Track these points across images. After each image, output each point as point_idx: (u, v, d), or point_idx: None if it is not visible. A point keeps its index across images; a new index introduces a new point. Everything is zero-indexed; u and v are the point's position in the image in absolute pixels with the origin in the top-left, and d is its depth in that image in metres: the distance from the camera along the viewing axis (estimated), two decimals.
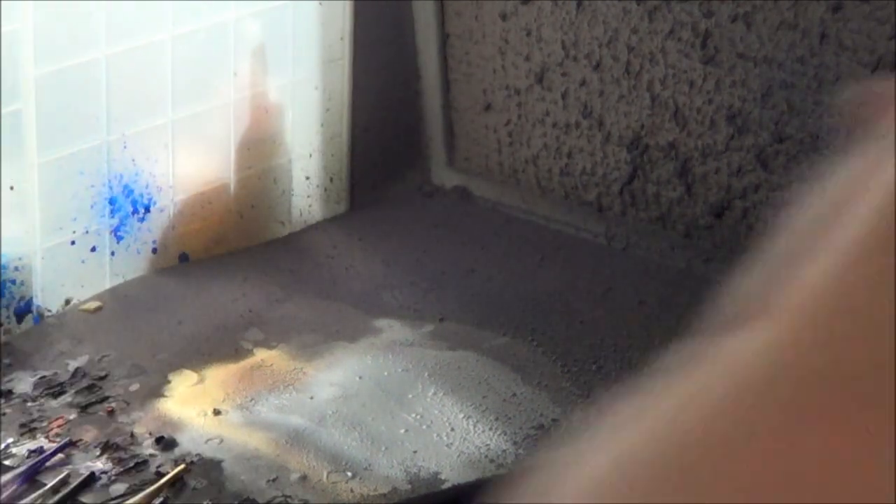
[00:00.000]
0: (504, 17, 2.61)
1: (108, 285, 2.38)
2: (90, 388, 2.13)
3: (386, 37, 2.71)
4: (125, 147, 2.34)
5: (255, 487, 1.91)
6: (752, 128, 2.36)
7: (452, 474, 1.93)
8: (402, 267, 2.49)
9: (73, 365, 2.18)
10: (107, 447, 1.99)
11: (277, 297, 2.38)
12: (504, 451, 1.98)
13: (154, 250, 2.44)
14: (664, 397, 0.68)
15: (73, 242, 2.31)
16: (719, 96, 2.38)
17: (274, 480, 1.93)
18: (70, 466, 1.95)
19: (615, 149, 2.53)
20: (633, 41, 2.45)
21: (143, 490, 1.89)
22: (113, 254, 2.38)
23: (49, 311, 2.30)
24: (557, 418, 2.05)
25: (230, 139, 2.50)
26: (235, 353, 2.22)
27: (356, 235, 2.61)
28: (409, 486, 1.91)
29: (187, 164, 2.44)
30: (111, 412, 2.07)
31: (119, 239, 2.38)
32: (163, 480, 1.91)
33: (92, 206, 2.32)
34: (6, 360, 2.19)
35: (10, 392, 2.11)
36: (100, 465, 1.95)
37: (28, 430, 2.03)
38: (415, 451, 1.98)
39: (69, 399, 2.10)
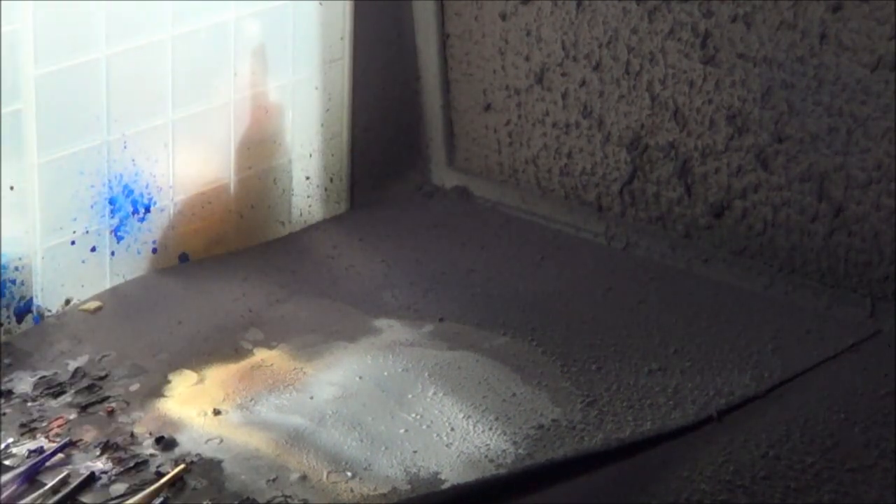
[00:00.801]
0: (504, 17, 2.61)
1: (108, 285, 2.38)
2: (90, 388, 2.13)
3: (386, 37, 2.71)
4: (125, 147, 2.34)
5: (255, 487, 1.91)
6: (752, 128, 2.36)
7: (452, 474, 1.93)
8: (402, 267, 2.49)
9: (73, 365, 2.18)
10: (107, 447, 1.99)
11: (277, 297, 2.38)
12: (504, 450, 1.98)
13: (154, 250, 2.44)
14: None
15: (73, 242, 2.31)
16: (719, 96, 2.38)
17: (274, 480, 1.93)
18: (70, 466, 1.95)
19: (615, 149, 2.53)
20: (633, 41, 2.45)
21: (143, 490, 1.89)
22: (113, 254, 2.38)
23: (49, 311, 2.30)
24: (557, 418, 2.05)
25: (230, 139, 2.50)
26: (235, 353, 2.22)
27: (356, 235, 2.61)
28: (409, 486, 1.91)
29: (187, 164, 2.44)
30: (111, 412, 2.07)
31: (119, 239, 2.38)
32: (163, 480, 1.91)
33: (92, 206, 2.32)
34: (6, 360, 2.19)
35: (10, 392, 2.11)
36: (100, 465, 1.95)
37: (28, 430, 2.03)
38: (415, 451, 1.98)
39: (69, 399, 2.10)
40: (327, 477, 1.94)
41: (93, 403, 2.09)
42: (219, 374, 2.17)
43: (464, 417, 2.05)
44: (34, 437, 2.01)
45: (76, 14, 2.21)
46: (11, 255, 2.24)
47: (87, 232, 2.33)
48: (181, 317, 2.32)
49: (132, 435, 2.02)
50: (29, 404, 2.09)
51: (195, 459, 1.96)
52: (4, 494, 1.89)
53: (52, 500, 1.89)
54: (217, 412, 2.07)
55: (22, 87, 2.17)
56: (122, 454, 1.97)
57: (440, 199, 2.74)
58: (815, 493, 1.87)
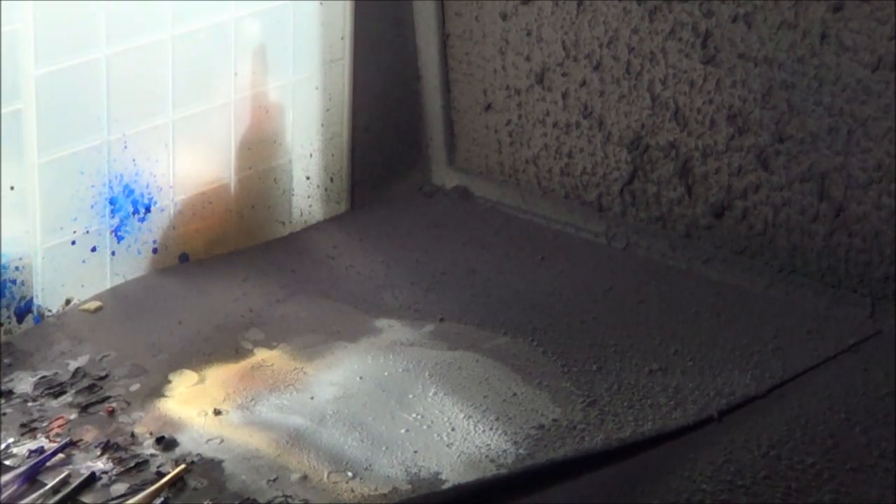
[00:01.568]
0: (504, 17, 2.61)
1: (108, 285, 2.38)
2: (90, 388, 2.13)
3: (386, 37, 2.71)
4: (125, 147, 2.34)
5: (256, 487, 1.91)
6: (752, 128, 2.36)
7: (453, 474, 1.93)
8: (402, 267, 2.49)
9: (73, 365, 2.18)
10: (107, 447, 1.99)
11: (277, 297, 2.38)
12: (505, 450, 1.98)
13: (154, 250, 2.44)
14: None
15: (73, 242, 2.31)
16: (719, 96, 2.38)
17: (274, 480, 1.93)
18: (70, 466, 1.95)
19: (615, 149, 2.53)
20: (634, 41, 2.45)
21: (143, 490, 1.89)
22: (113, 254, 2.38)
23: (49, 311, 2.30)
24: (558, 418, 2.05)
25: (230, 139, 2.50)
26: (236, 353, 2.22)
27: (356, 235, 2.61)
28: (410, 486, 1.91)
29: (187, 164, 2.44)
30: (111, 412, 2.07)
31: (119, 239, 2.38)
32: (163, 480, 1.91)
33: (92, 206, 2.32)
34: (6, 360, 2.19)
35: (10, 392, 2.11)
36: (100, 465, 1.95)
37: (28, 430, 2.03)
38: (415, 451, 1.98)
39: (69, 399, 2.10)
40: (328, 477, 1.94)
41: (93, 403, 2.09)
42: (219, 374, 2.17)
43: (464, 417, 2.05)
44: (34, 437, 2.01)
45: (76, 14, 2.21)
46: (12, 255, 2.24)
47: (88, 232, 2.33)
48: (182, 317, 2.32)
49: (133, 435, 2.02)
50: (29, 404, 2.09)
51: (196, 459, 1.96)
52: (5, 494, 1.89)
53: (52, 500, 1.89)
54: (217, 412, 2.07)
55: (22, 87, 2.17)
56: (122, 454, 1.97)
57: (440, 199, 2.74)
58: (815, 493, 1.87)
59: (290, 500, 1.89)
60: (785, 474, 1.90)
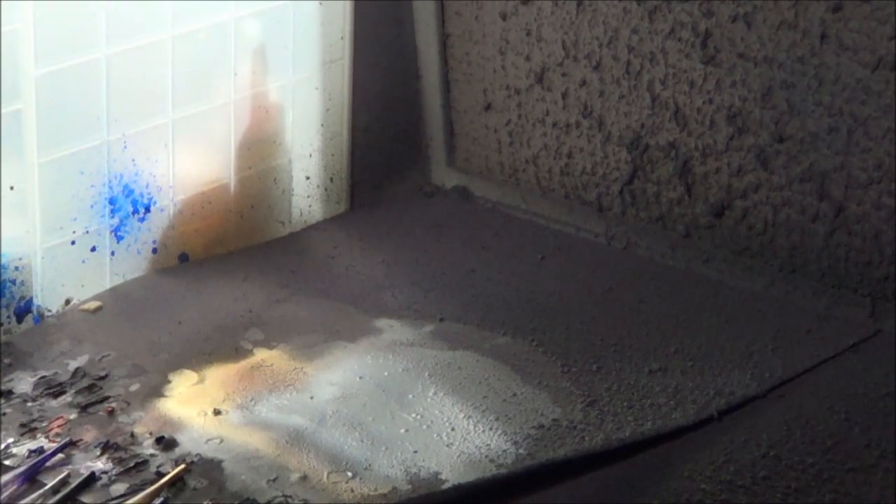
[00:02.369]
0: (504, 17, 2.61)
1: (108, 285, 2.38)
2: (90, 388, 2.13)
3: (386, 37, 2.71)
4: (125, 147, 2.34)
5: (256, 487, 1.91)
6: (752, 128, 2.36)
7: (453, 474, 1.93)
8: (402, 267, 2.49)
9: (73, 365, 2.18)
10: (107, 447, 1.99)
11: (277, 297, 2.38)
12: (505, 450, 1.98)
13: (154, 250, 2.44)
14: None
15: (73, 242, 2.31)
16: (719, 96, 2.38)
17: (274, 480, 1.93)
18: (70, 466, 1.95)
19: (615, 149, 2.53)
20: (634, 41, 2.45)
21: (143, 490, 1.89)
22: (113, 254, 2.38)
23: (49, 311, 2.30)
24: (558, 418, 2.05)
25: (230, 139, 2.50)
26: (235, 353, 2.22)
27: (356, 235, 2.61)
28: (410, 486, 1.91)
29: (187, 164, 2.44)
30: (111, 412, 2.07)
31: (119, 239, 2.38)
32: (163, 480, 1.91)
33: (92, 206, 2.33)
34: (6, 360, 2.19)
35: (10, 392, 2.11)
36: (100, 465, 1.95)
37: (28, 430, 2.03)
38: (415, 451, 1.98)
39: (69, 399, 2.10)
40: (328, 477, 1.94)
41: (93, 403, 2.09)
42: (219, 374, 2.17)
43: (464, 417, 2.05)
44: (34, 437, 2.01)
45: (76, 14, 2.21)
46: (11, 255, 2.24)
47: (87, 232, 2.33)
48: (181, 317, 2.32)
49: (132, 435, 2.02)
50: (29, 404, 2.09)
51: (195, 459, 1.96)
52: (4, 494, 1.89)
53: (52, 500, 1.89)
54: (217, 412, 2.07)
55: (22, 87, 2.17)
56: (122, 454, 1.97)
57: (440, 199, 2.74)
58: (815, 494, 1.87)
59: (289, 500, 1.89)
60: (785, 474, 1.90)
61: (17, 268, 2.25)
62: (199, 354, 2.21)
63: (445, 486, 1.91)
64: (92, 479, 1.92)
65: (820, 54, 2.25)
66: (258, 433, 2.02)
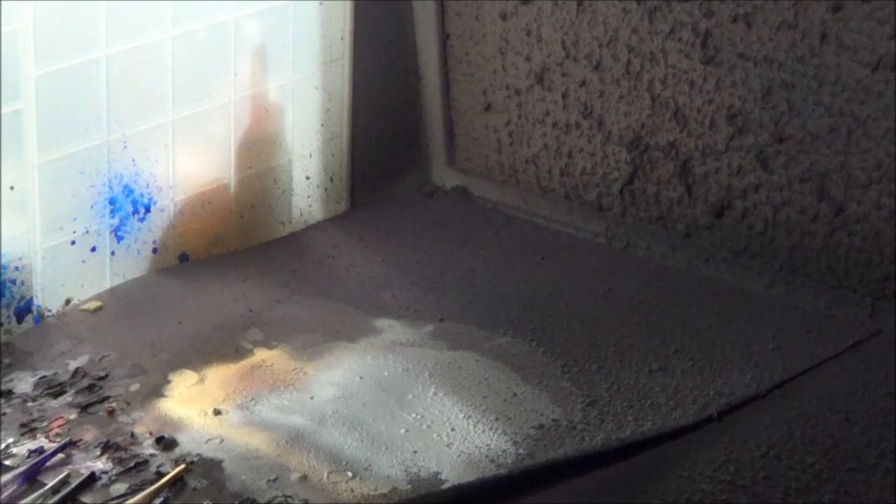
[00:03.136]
0: (504, 17, 2.61)
1: (108, 285, 2.38)
2: (90, 388, 2.13)
3: (386, 37, 2.71)
4: (125, 147, 2.34)
5: (256, 487, 1.91)
6: (752, 128, 2.36)
7: (453, 474, 1.93)
8: (402, 267, 2.49)
9: (73, 365, 2.18)
10: (107, 447, 1.99)
11: (277, 297, 2.38)
12: (504, 450, 1.98)
13: (154, 250, 2.44)
14: None
15: (73, 242, 2.31)
16: (719, 96, 2.38)
17: (274, 480, 1.93)
18: (70, 466, 1.95)
19: (615, 149, 2.53)
20: (634, 41, 2.45)
21: (143, 490, 1.89)
22: (113, 254, 2.38)
23: (49, 311, 2.30)
24: (558, 418, 2.05)
25: (230, 139, 2.50)
26: (235, 352, 2.22)
27: (356, 235, 2.61)
28: (409, 486, 1.91)
29: (187, 164, 2.44)
30: (111, 412, 2.07)
31: (119, 239, 2.38)
32: (163, 480, 1.91)
33: (92, 206, 2.32)
34: (6, 360, 2.19)
35: (10, 392, 2.11)
36: (100, 464, 1.95)
37: (28, 430, 2.03)
38: (415, 451, 1.98)
39: (69, 399, 2.10)
40: (328, 477, 1.94)
41: (93, 403, 2.09)
42: (219, 374, 2.17)
43: (464, 417, 2.05)
44: (34, 437, 2.01)
45: (76, 14, 2.21)
46: (11, 255, 2.24)
47: (87, 232, 2.33)
48: (181, 317, 2.32)
49: (132, 435, 2.02)
50: (29, 404, 2.09)
51: (195, 459, 1.96)
52: (4, 494, 1.89)
53: (52, 500, 1.89)
54: (217, 412, 2.07)
55: (22, 87, 2.17)
56: (122, 454, 1.97)
57: (440, 199, 2.74)
58: (815, 493, 1.87)
59: (289, 500, 1.89)
60: (785, 474, 1.90)
61: (17, 268, 2.25)
62: (199, 354, 2.21)
63: (445, 486, 1.91)
64: (92, 479, 1.92)
65: (820, 54, 2.25)
66: (258, 433, 2.02)
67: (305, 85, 2.58)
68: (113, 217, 2.36)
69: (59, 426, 2.04)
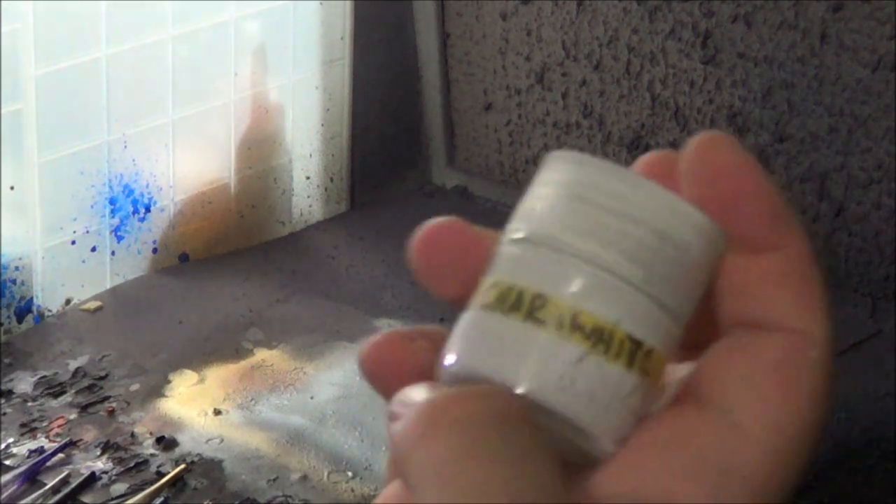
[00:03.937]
0: (504, 16, 2.61)
1: (108, 285, 2.38)
2: (90, 387, 2.13)
3: (386, 37, 2.71)
4: (125, 147, 2.34)
5: (256, 487, 1.91)
6: (752, 128, 2.36)
7: None
8: (402, 267, 2.48)
9: (73, 365, 2.18)
10: (107, 447, 1.99)
11: (277, 297, 2.38)
12: None
13: (154, 250, 2.44)
14: None
15: (73, 242, 2.31)
16: (719, 96, 2.38)
17: (274, 480, 1.93)
18: (70, 466, 1.95)
19: (615, 149, 2.53)
20: (634, 41, 2.45)
21: (143, 490, 1.89)
22: (113, 254, 2.38)
23: (49, 311, 2.30)
24: None
25: (230, 139, 2.50)
26: (236, 352, 2.22)
27: (356, 235, 2.61)
28: None
29: (187, 164, 2.44)
30: (111, 412, 2.07)
31: (119, 239, 2.38)
32: (163, 480, 1.91)
33: (92, 206, 2.32)
34: (6, 360, 2.19)
35: (10, 392, 2.11)
36: (100, 465, 1.95)
37: (28, 429, 2.03)
38: None
39: (69, 399, 2.10)
40: (328, 477, 1.94)
41: (93, 403, 2.09)
42: (219, 374, 2.17)
43: None
44: (34, 437, 2.01)
45: (76, 14, 2.21)
46: (11, 255, 2.24)
47: (88, 232, 2.33)
48: (181, 317, 2.32)
49: (132, 435, 2.02)
50: (29, 404, 2.09)
51: (196, 459, 1.96)
52: (4, 494, 1.89)
53: (52, 500, 1.89)
54: (218, 412, 2.07)
55: (22, 87, 2.17)
56: (122, 454, 1.97)
57: (440, 199, 2.74)
58: (815, 493, 1.87)
59: (290, 500, 1.89)
60: None
61: (17, 268, 2.25)
62: (200, 354, 2.21)
63: None
64: (92, 479, 1.92)
65: (820, 54, 2.25)
66: (258, 433, 2.02)
67: (305, 85, 2.58)
68: (113, 217, 2.36)
69: (59, 426, 2.04)
